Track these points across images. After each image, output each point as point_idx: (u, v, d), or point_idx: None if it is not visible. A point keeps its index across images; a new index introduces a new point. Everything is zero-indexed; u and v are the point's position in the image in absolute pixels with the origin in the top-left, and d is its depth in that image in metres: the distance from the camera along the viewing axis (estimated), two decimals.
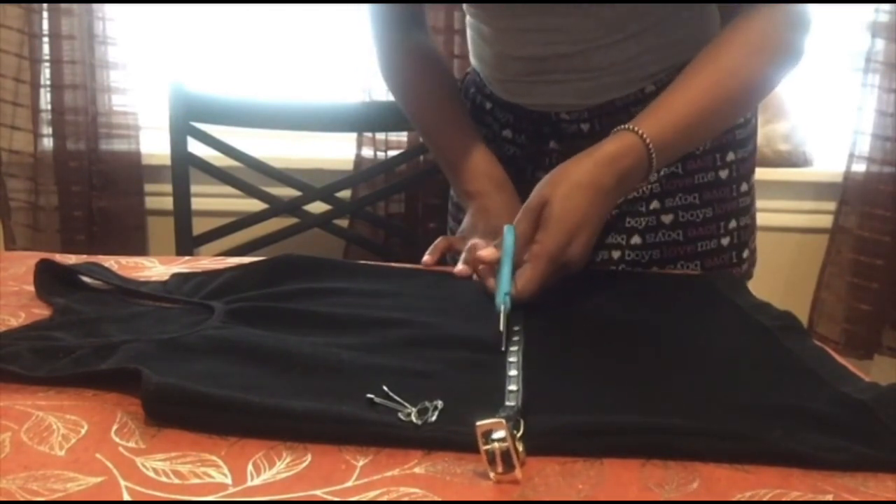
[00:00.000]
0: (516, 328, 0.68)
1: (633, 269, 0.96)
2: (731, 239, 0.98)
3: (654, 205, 0.95)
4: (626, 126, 0.80)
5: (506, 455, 0.47)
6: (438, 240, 0.96)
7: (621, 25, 0.90)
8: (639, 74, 0.93)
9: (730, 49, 0.85)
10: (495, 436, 0.47)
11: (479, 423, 0.47)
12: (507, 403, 0.53)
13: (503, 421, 0.47)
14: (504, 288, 0.72)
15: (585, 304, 0.78)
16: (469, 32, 1.03)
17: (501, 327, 0.66)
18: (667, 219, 0.96)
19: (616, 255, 0.97)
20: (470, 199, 0.99)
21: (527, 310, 0.73)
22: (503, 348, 0.64)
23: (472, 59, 1.06)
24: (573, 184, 0.78)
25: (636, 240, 0.96)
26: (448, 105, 1.03)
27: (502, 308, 0.69)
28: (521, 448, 0.47)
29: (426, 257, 0.93)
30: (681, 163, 0.95)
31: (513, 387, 0.56)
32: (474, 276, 0.84)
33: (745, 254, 1.00)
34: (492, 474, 0.47)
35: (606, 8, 0.88)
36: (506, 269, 0.75)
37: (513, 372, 0.58)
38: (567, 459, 0.49)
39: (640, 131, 0.80)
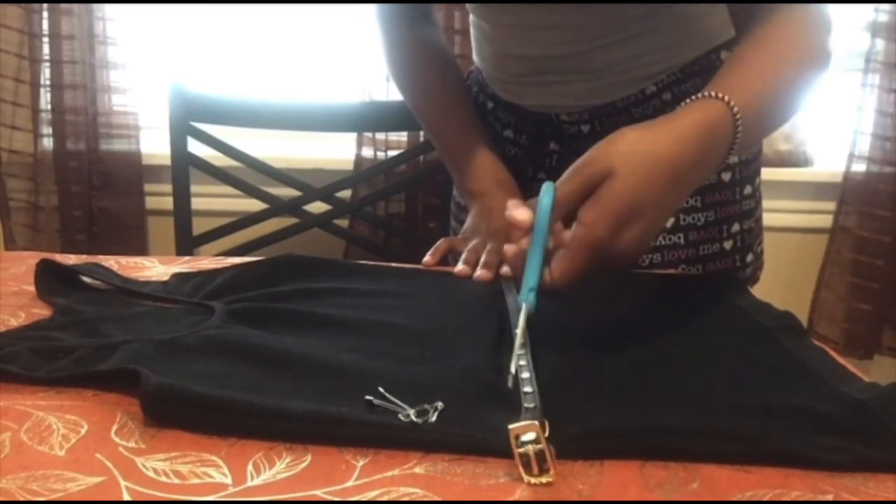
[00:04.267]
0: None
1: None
2: (734, 242, 0.98)
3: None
4: (710, 92, 0.67)
5: (540, 457, 0.46)
6: (440, 241, 0.96)
7: (622, 26, 0.90)
8: (640, 74, 0.93)
9: (779, 31, 0.77)
10: (525, 438, 0.47)
11: (511, 426, 0.47)
12: (527, 405, 0.53)
13: (535, 423, 0.47)
14: (530, 282, 0.60)
15: (585, 304, 0.78)
16: (472, 30, 1.03)
17: (520, 331, 0.55)
18: (668, 222, 0.95)
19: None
20: (473, 199, 0.99)
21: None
22: (519, 351, 0.55)
23: (475, 57, 1.06)
24: (647, 156, 0.62)
25: None
26: (454, 103, 1.03)
27: (523, 306, 0.58)
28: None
29: (427, 258, 0.93)
30: None
31: (528, 388, 0.56)
32: (476, 273, 0.84)
33: (749, 258, 1.00)
34: (527, 478, 0.46)
35: (607, 8, 0.88)
36: (536, 252, 0.61)
37: (525, 374, 0.58)
38: (567, 459, 0.49)
39: (728, 99, 0.67)
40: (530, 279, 0.59)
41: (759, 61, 0.74)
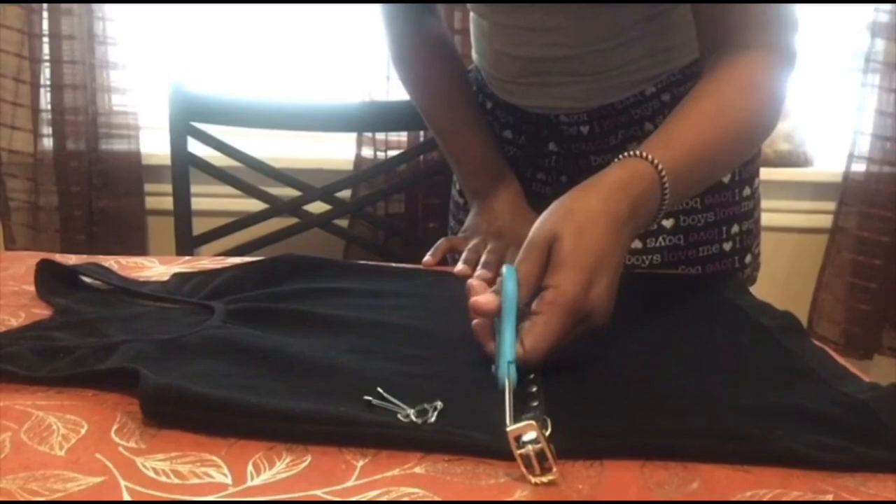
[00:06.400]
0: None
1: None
2: (734, 244, 0.98)
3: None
4: (633, 152, 0.70)
5: (541, 456, 0.46)
6: (440, 241, 0.96)
7: (621, 30, 0.89)
8: (639, 77, 0.93)
9: (725, 86, 0.77)
10: (526, 438, 0.47)
11: (509, 427, 0.47)
12: (531, 404, 0.53)
13: (534, 423, 0.47)
14: (507, 355, 0.58)
15: None
16: (472, 27, 1.03)
17: (507, 405, 0.52)
18: (667, 223, 0.95)
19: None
20: (474, 198, 0.99)
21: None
22: (509, 427, 0.48)
23: (474, 55, 1.06)
24: (585, 216, 0.64)
25: (636, 244, 0.95)
26: (457, 100, 1.03)
27: (507, 382, 0.55)
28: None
29: (427, 258, 0.93)
30: None
31: (533, 388, 0.56)
32: (476, 273, 0.84)
33: (748, 259, 1.00)
34: (532, 479, 0.46)
35: (606, 12, 0.88)
36: (508, 329, 0.59)
37: (530, 374, 0.58)
38: (567, 459, 0.49)
39: (650, 157, 0.69)
40: (507, 353, 0.58)
41: (695, 116, 0.75)
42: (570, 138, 0.97)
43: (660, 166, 0.69)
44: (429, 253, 0.94)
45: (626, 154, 0.70)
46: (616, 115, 0.94)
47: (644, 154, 0.69)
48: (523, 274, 0.63)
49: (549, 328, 0.60)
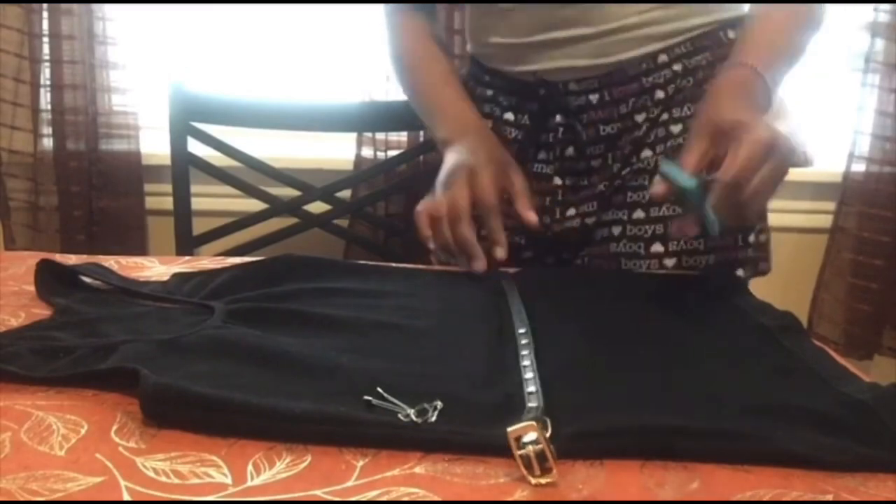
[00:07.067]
0: (522, 330, 0.67)
1: (635, 244, 0.95)
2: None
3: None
4: (738, 60, 0.84)
5: (541, 457, 0.46)
6: (418, 216, 0.89)
7: None
8: (649, 34, 0.94)
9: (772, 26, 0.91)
10: (526, 439, 0.47)
11: (509, 428, 0.47)
12: (530, 405, 0.53)
13: (534, 423, 0.47)
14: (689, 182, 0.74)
15: (587, 304, 0.78)
16: (470, 11, 1.03)
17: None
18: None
19: (617, 230, 0.96)
20: (462, 136, 0.95)
21: (528, 307, 0.72)
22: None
23: (471, 45, 1.06)
24: (720, 86, 0.83)
25: (638, 214, 0.95)
26: (439, 68, 1.04)
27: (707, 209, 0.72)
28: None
29: (431, 252, 0.90)
30: (682, 132, 0.95)
31: (532, 388, 0.56)
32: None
33: (751, 238, 0.97)
34: (532, 479, 0.46)
35: None
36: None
37: (529, 374, 0.58)
38: (567, 459, 0.49)
39: (750, 63, 0.83)
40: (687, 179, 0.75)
41: (770, 30, 0.91)
42: (579, 109, 0.97)
43: (759, 69, 0.83)
44: (429, 246, 0.89)
45: (732, 63, 0.85)
46: (627, 83, 0.95)
47: (748, 62, 0.84)
48: (698, 155, 0.77)
49: (751, 153, 0.72)
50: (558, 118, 0.98)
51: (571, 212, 0.99)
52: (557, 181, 1.00)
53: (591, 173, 0.98)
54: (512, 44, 0.98)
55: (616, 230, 0.96)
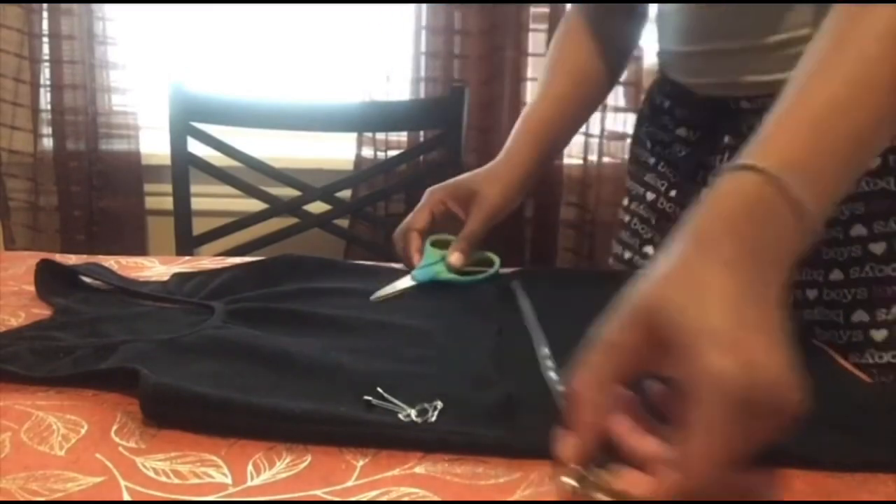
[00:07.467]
0: (536, 332, 0.67)
1: (832, 311, 0.76)
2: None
3: (859, 230, 0.74)
4: (730, 165, 0.49)
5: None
6: (406, 233, 0.88)
7: None
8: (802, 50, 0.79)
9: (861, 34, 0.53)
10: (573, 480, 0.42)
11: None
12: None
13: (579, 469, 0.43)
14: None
15: (589, 304, 0.78)
16: (657, 17, 0.94)
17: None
18: (877, 248, 0.74)
19: (812, 294, 0.77)
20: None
21: (535, 308, 0.72)
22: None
23: (661, 43, 0.95)
24: (691, 277, 0.44)
25: (836, 275, 0.76)
26: (544, 91, 0.97)
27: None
28: None
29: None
30: (893, 175, 0.73)
31: (561, 388, 0.56)
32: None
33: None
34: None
35: None
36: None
37: (553, 375, 0.58)
38: None
39: (751, 162, 0.48)
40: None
41: (806, 76, 0.53)
42: (749, 130, 0.78)
43: (764, 167, 0.47)
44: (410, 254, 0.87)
45: (722, 168, 0.50)
46: None
47: (744, 163, 0.48)
48: (616, 353, 0.45)
49: (711, 435, 0.40)
50: (727, 139, 0.84)
51: None
52: None
53: None
54: (679, 52, 0.89)
55: (811, 293, 0.77)
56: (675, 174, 0.91)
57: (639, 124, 1.00)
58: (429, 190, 0.92)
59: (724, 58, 0.83)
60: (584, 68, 0.97)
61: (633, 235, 0.96)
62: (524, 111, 0.97)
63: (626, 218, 0.98)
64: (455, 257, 0.84)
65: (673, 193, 0.91)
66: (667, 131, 0.93)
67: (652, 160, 0.95)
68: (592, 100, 1.02)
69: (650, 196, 0.94)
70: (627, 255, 0.97)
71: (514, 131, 0.95)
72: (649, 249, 0.93)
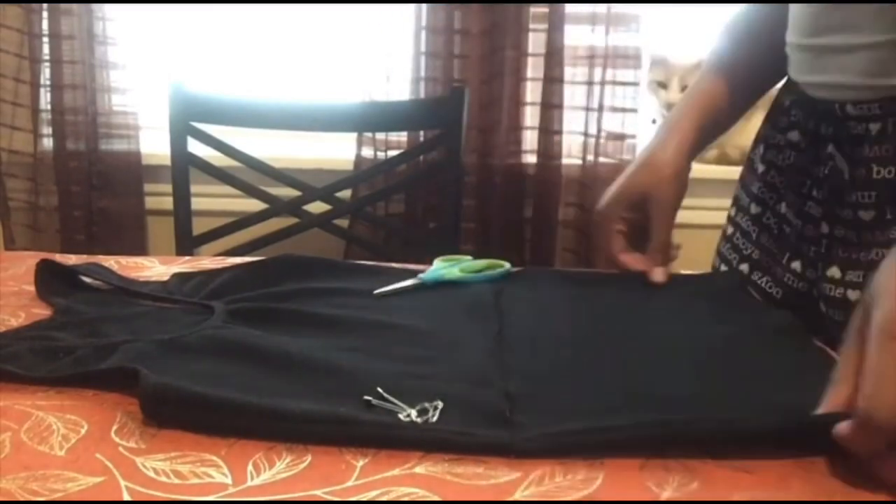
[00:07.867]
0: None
1: None
2: None
3: None
4: None
5: None
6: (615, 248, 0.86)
7: None
8: None
9: None
10: None
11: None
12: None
13: None
14: None
15: (589, 305, 0.78)
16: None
17: None
18: None
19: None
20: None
21: (532, 311, 0.72)
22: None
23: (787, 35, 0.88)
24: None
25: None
26: (693, 90, 0.93)
27: None
28: None
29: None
30: None
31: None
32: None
33: None
34: None
35: None
36: None
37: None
38: (567, 459, 0.49)
39: None
40: None
41: None
42: (854, 139, 0.76)
43: None
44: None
45: None
46: None
47: None
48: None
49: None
50: (830, 148, 0.78)
51: (835, 273, 0.78)
52: (824, 228, 0.79)
53: (861, 228, 0.76)
54: (793, 44, 0.83)
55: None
56: (784, 183, 0.85)
57: (763, 123, 0.93)
58: (599, 214, 0.88)
59: (834, 55, 0.77)
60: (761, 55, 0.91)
61: (733, 250, 0.91)
62: (693, 82, 0.93)
63: (730, 230, 0.93)
64: (658, 273, 0.82)
65: (781, 208, 0.85)
66: (781, 131, 0.87)
67: (762, 168, 0.89)
68: (757, 87, 0.95)
69: (755, 209, 0.89)
70: (723, 268, 0.92)
71: (679, 102, 0.91)
72: (745, 267, 0.89)
